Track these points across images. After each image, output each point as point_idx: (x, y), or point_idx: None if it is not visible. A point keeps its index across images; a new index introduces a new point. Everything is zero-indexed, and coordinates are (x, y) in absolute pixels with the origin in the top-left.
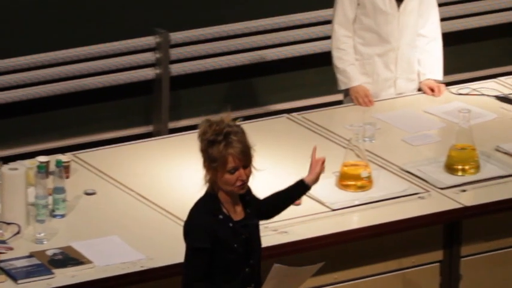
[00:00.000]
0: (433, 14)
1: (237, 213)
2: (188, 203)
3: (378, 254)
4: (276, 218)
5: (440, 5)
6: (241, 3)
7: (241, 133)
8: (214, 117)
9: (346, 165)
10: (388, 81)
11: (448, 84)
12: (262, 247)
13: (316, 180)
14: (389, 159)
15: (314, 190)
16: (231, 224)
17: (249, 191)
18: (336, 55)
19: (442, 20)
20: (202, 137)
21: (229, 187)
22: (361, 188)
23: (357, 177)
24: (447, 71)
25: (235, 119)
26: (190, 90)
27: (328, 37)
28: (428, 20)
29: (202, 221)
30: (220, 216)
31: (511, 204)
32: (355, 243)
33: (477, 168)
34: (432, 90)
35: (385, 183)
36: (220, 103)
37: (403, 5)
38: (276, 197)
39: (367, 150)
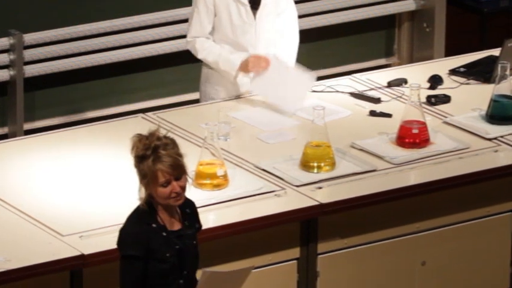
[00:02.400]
0: (289, 11)
1: (173, 224)
2: (44, 204)
3: (233, 253)
4: None
5: (295, 2)
6: (94, 3)
7: (172, 145)
8: (145, 132)
9: (201, 164)
10: (246, 84)
11: None
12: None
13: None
14: (244, 157)
15: None
16: (164, 234)
17: (191, 205)
18: (205, 53)
19: None
20: (132, 153)
21: (164, 200)
22: (217, 186)
23: (213, 176)
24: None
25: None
26: (45, 91)
27: (182, 36)
28: (283, 18)
29: (135, 229)
30: (154, 225)
31: (366, 200)
32: (209, 242)
33: (332, 165)
34: None
35: (241, 182)
36: (76, 104)
37: (258, 13)
38: None
39: (223, 149)
